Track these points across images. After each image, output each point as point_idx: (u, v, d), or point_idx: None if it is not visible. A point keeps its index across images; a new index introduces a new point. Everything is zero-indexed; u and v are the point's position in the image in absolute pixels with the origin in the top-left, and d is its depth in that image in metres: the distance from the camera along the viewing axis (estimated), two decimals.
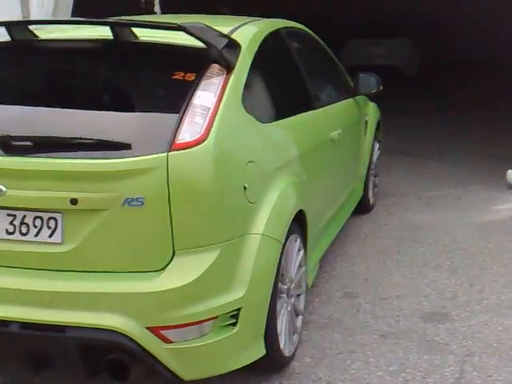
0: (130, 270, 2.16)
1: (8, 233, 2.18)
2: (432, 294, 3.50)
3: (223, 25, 2.89)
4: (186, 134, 2.18)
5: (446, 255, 4.06)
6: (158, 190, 2.11)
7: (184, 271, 2.15)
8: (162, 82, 2.47)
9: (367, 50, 13.63)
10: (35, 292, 2.14)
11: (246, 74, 2.58)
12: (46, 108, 2.41)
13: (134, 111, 2.42)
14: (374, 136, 4.80)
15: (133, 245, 2.15)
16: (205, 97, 2.32)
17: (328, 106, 3.64)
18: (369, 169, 4.74)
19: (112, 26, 2.38)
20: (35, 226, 2.17)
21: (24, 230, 2.18)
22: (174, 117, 2.23)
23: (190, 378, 2.25)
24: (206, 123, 2.23)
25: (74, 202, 2.10)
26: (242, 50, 2.61)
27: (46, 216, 2.16)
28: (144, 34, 2.51)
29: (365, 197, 4.75)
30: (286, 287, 2.66)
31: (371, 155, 4.78)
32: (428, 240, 4.34)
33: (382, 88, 4.37)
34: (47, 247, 2.17)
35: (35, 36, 2.61)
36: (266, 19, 3.34)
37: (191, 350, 2.20)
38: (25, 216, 2.17)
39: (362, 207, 4.82)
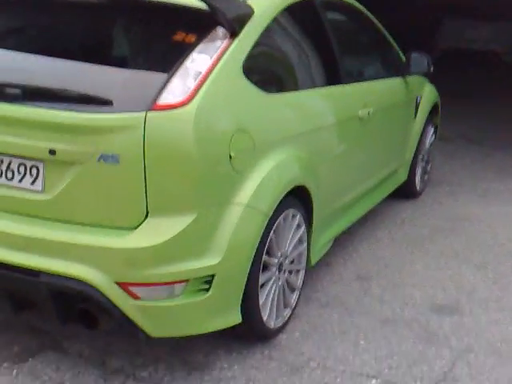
0: (104, 224, 2.22)
1: None
2: (450, 286, 3.35)
3: None
4: (169, 95, 2.19)
5: (481, 250, 3.86)
6: (133, 149, 2.13)
7: (156, 232, 2.19)
8: (161, 41, 2.47)
9: (465, 32, 12.89)
10: (13, 235, 2.24)
11: (254, 41, 2.53)
12: (36, 57, 2.48)
13: (125, 68, 2.44)
14: (425, 119, 4.59)
15: (107, 201, 2.20)
16: (200, 59, 2.31)
17: (363, 83, 3.53)
18: (417, 153, 4.56)
19: None
20: (19, 173, 2.27)
21: (9, 175, 2.28)
22: (163, 77, 2.24)
23: (156, 335, 2.30)
24: (194, 86, 2.22)
25: (52, 152, 2.17)
26: (255, 15, 2.56)
27: (29, 164, 2.25)
28: None
29: (410, 182, 4.59)
30: (276, 261, 2.65)
31: (421, 139, 4.57)
32: (468, 232, 4.14)
33: (432, 70, 4.17)
34: (28, 194, 2.26)
35: None
36: None
37: (160, 309, 2.24)
38: (11, 162, 2.27)
39: (408, 193, 4.67)
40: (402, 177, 4.46)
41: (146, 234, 2.19)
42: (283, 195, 2.56)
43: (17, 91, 2.30)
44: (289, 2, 2.88)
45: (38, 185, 2.25)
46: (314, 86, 3.04)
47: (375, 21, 3.96)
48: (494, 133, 7.12)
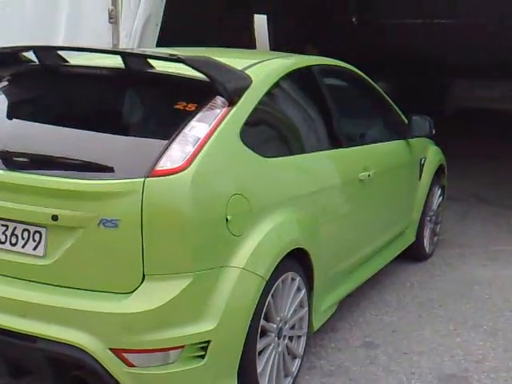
0: (102, 289, 2.21)
1: (0, 242, 2.33)
2: (459, 354, 3.24)
3: (248, 58, 2.98)
4: (167, 162, 2.23)
5: (491, 315, 3.76)
6: (131, 214, 2.15)
7: (151, 296, 2.17)
8: (163, 110, 2.55)
9: (476, 91, 12.99)
10: (12, 300, 2.25)
11: (252, 108, 2.59)
12: (44, 127, 2.58)
13: (125, 136, 2.51)
14: (431, 181, 4.57)
15: (105, 265, 2.20)
16: (198, 127, 2.36)
17: (363, 146, 3.55)
18: (424, 215, 4.52)
19: (122, 55, 2.53)
20: (23, 238, 2.29)
21: (13, 240, 2.31)
22: (162, 144, 2.29)
23: None
24: (191, 153, 2.27)
25: (55, 218, 2.20)
26: (253, 84, 2.64)
27: (32, 229, 2.28)
28: (158, 65, 2.62)
29: (418, 244, 4.53)
30: (274, 326, 2.59)
31: (427, 201, 4.55)
32: (478, 297, 4.04)
33: (434, 132, 4.21)
34: (30, 259, 2.28)
35: (63, 61, 2.78)
36: (300, 55, 3.38)
37: (154, 377, 2.19)
38: (15, 227, 2.31)
39: (416, 255, 4.61)
40: (410, 238, 4.41)
41: (141, 298, 2.17)
42: (281, 258, 2.53)
43: (20, 159, 2.37)
44: (286, 71, 2.96)
45: (40, 250, 2.27)
46: (312, 150, 3.05)
47: (375, 86, 4.02)
48: (507, 192, 7.05)
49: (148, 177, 2.18)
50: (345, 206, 3.24)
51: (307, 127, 3.16)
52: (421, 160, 4.43)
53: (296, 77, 3.06)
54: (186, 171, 2.22)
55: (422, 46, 11.50)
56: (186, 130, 2.35)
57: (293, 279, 2.70)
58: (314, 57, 3.44)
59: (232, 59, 2.78)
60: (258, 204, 2.48)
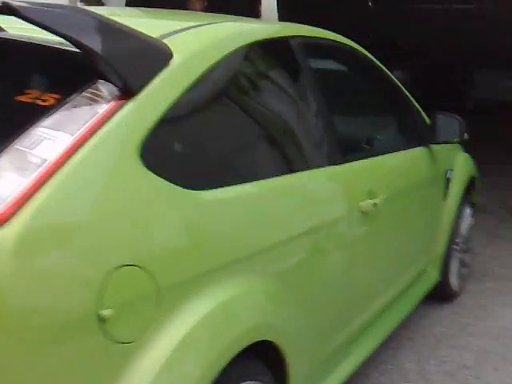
0: None
1: None
2: None
3: (179, 21, 1.92)
4: None
5: None
6: None
7: None
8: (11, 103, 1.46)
9: (501, 83, 12.03)
10: None
11: (167, 106, 1.49)
12: None
13: None
14: (460, 199, 3.47)
15: None
16: (51, 138, 1.28)
17: (367, 160, 2.42)
18: (451, 244, 3.43)
19: None
20: None
21: None
22: None
23: None
24: (27, 188, 1.19)
25: None
26: (173, 64, 1.55)
27: None
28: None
29: (444, 282, 3.45)
30: None
31: (455, 225, 3.44)
32: None
33: (466, 137, 3.09)
34: None
35: None
36: (275, 22, 2.31)
37: None
38: None
39: (442, 295, 3.54)
40: (433, 278, 3.33)
41: None
42: (222, 367, 1.45)
43: None
44: (241, 44, 1.83)
45: None
46: (280, 173, 1.89)
47: (387, 72, 2.90)
48: None
49: None
50: (337, 257, 2.11)
51: (273, 137, 1.96)
52: (447, 173, 3.32)
53: (257, 53, 1.94)
54: (8, 226, 1.15)
55: (439, 33, 10.49)
56: (26, 144, 1.27)
57: None
58: (294, 25, 2.27)
59: (154, 21, 1.74)
60: (170, 278, 1.39)
